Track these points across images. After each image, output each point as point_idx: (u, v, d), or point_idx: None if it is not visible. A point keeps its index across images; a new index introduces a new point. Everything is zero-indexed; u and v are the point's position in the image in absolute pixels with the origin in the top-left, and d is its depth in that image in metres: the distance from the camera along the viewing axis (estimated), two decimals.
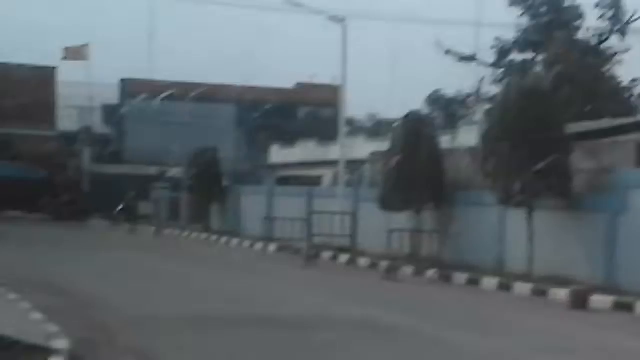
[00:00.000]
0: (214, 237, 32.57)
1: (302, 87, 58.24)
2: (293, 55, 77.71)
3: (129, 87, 55.54)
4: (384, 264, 20.96)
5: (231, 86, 53.84)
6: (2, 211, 39.88)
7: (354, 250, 24.91)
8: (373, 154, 32.15)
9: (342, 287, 18.40)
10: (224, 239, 31.62)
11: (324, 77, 52.40)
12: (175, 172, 42.45)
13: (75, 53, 50.48)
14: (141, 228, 36.54)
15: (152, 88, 53.03)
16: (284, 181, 42.30)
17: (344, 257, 24.31)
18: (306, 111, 58.06)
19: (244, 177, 41.59)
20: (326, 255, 24.78)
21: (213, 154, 36.53)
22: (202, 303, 14.41)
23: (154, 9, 74.20)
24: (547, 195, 18.61)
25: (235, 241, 30.80)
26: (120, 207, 40.25)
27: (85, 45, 50.58)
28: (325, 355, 10.09)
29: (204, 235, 33.52)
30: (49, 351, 8.64)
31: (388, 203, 23.27)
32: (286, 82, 58.45)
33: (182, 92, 52.87)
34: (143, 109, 53.44)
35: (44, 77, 52.66)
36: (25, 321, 10.55)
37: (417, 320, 13.29)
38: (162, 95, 52.54)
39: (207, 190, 35.48)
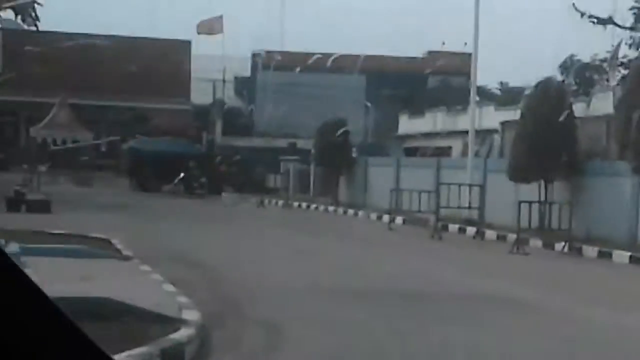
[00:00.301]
0: (341, 210, 32.80)
1: (432, 56, 57.66)
2: (423, 23, 77.02)
3: (261, 59, 56.26)
4: (512, 236, 20.70)
5: (361, 56, 53.83)
6: (163, 185, 40.86)
7: (481, 223, 24.67)
8: (504, 123, 31.65)
9: (470, 260, 18.28)
10: (351, 211, 31.82)
11: (454, 45, 51.79)
12: (304, 144, 42.85)
13: (208, 27, 51.04)
14: (269, 201, 37.06)
15: (283, 60, 53.56)
16: (412, 152, 42.16)
17: (471, 230, 24.12)
18: (436, 80, 57.46)
19: (372, 148, 41.64)
20: (454, 227, 24.62)
21: (341, 125, 36.68)
22: (330, 276, 14.56)
23: None
24: None
25: (362, 213, 30.95)
26: (181, 176, 40.74)
27: (218, 18, 51.01)
28: (454, 330, 10.08)
29: (331, 208, 33.79)
30: (180, 322, 8.92)
31: (518, 173, 22.92)
32: (416, 50, 58.07)
33: (312, 63, 53.17)
34: (273, 81, 54.10)
35: (178, 50, 53.86)
36: (157, 293, 10.90)
37: (546, 294, 13.11)
38: (292, 67, 53.03)
39: (335, 162, 35.69)
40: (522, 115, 23.58)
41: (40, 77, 47.68)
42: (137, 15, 77.91)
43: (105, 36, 52.18)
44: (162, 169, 40.25)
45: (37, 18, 45.27)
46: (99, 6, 76.58)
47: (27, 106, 48.01)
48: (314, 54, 53.41)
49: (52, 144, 40.85)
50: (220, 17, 50.73)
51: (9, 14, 45.02)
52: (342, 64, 53.61)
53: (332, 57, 52.78)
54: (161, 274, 12.57)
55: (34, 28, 46.21)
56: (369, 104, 54.09)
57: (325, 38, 73.43)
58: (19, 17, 45.53)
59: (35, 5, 43.95)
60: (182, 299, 10.38)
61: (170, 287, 11.39)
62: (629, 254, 18.18)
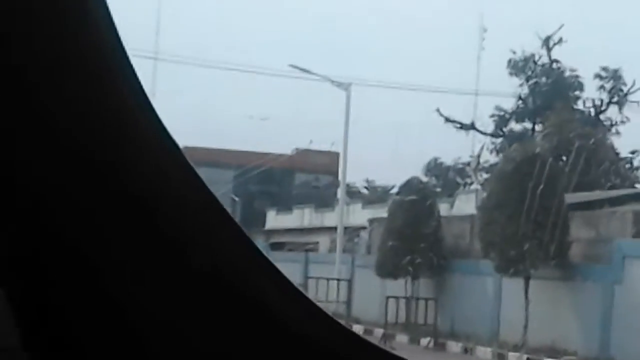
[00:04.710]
0: None
1: (300, 153, 58.34)
2: (292, 121, 77.94)
3: None
4: (379, 331, 20.79)
5: (229, 151, 53.94)
6: None
7: (348, 317, 24.73)
8: (371, 220, 32.12)
9: None
10: None
11: (322, 143, 52.60)
12: None
13: None
14: None
15: None
16: (278, 247, 42.17)
17: None
18: (304, 177, 58.15)
19: None
20: None
21: None
22: None
23: None
24: (545, 264, 18.56)
25: None
26: None
27: None
28: None
29: None
30: None
31: (385, 269, 23.22)
32: (285, 147, 58.59)
33: None
34: None
35: None
36: None
37: None
38: None
39: None
40: (389, 213, 24.04)
41: None
42: None
43: None
44: None
45: None
46: None
47: None
48: None
49: None
50: None
51: None
52: (215, 157, 53.61)
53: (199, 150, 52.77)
54: None
55: None
56: (236, 198, 54.09)
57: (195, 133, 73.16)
58: None
59: None
60: None
61: None
62: (490, 349, 18.50)
